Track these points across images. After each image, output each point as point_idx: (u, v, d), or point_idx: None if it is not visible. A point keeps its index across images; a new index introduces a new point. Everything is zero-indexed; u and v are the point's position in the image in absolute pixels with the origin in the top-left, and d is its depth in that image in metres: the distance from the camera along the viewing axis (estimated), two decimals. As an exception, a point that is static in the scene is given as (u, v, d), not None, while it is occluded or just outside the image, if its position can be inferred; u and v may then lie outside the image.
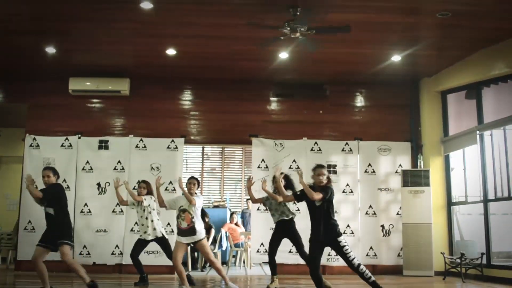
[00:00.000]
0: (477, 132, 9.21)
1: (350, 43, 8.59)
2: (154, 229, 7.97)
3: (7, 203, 13.02)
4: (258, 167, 10.31)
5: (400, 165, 10.41)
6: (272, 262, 7.66)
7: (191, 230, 6.82)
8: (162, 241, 8.03)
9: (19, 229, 9.93)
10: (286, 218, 7.65)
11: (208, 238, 10.67)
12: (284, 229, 7.65)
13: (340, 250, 5.98)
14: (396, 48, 9.04)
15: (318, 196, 5.90)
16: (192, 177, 7.18)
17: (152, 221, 7.98)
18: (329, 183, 6.17)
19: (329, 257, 9.99)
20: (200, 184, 8.40)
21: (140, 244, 8.07)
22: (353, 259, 5.92)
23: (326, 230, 6.02)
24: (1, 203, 13.19)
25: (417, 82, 10.77)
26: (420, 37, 8.59)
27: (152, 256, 9.73)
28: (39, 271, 6.36)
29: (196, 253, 11.05)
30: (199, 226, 6.89)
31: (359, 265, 5.89)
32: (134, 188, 8.95)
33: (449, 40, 8.62)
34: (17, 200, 10.58)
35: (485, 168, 9.12)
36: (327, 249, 9.82)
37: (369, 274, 5.87)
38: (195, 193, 7.00)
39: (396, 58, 9.37)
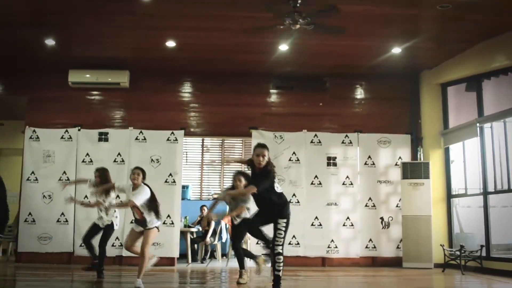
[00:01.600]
0: (477, 124, 9.20)
1: (350, 36, 8.56)
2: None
3: (7, 195, 13.01)
4: (258, 159, 10.29)
5: (400, 158, 10.41)
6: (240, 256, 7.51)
7: (144, 221, 6.76)
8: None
9: (19, 221, 9.95)
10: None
11: (208, 230, 10.71)
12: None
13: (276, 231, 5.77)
14: (396, 41, 9.01)
15: (251, 189, 5.72)
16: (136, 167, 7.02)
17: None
18: (269, 166, 5.73)
19: (328, 249, 10.02)
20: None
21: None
22: (279, 245, 5.70)
23: (273, 212, 5.85)
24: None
25: (417, 74, 10.75)
26: (421, 30, 8.56)
27: (152, 248, 9.75)
28: None
29: (196, 245, 11.08)
30: (150, 217, 6.77)
31: (279, 253, 5.70)
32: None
33: (449, 32, 8.60)
34: (17, 193, 10.58)
35: (485, 160, 9.12)
36: (327, 241, 9.99)
37: (281, 268, 5.71)
38: (141, 184, 6.85)
39: (396, 50, 9.35)
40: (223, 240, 11.24)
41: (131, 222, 9.83)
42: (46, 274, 7.90)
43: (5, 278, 8.21)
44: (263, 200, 5.80)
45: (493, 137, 9.10)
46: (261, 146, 5.75)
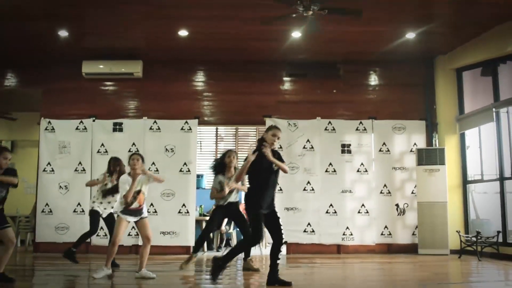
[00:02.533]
0: (493, 109, 9.10)
1: (364, 22, 8.47)
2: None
3: (24, 186, 13.14)
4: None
5: (415, 144, 10.35)
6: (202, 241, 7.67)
7: (141, 210, 6.74)
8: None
9: (37, 211, 10.07)
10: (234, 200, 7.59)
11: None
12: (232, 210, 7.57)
13: (277, 222, 5.86)
14: (410, 26, 8.92)
15: (285, 166, 5.91)
16: (134, 153, 7.00)
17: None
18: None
19: (344, 237, 10.02)
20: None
21: None
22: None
23: (272, 199, 5.90)
24: (18, 187, 13.25)
25: (431, 60, 10.65)
26: (435, 14, 8.46)
27: (168, 237, 9.83)
28: None
29: (211, 234, 11.12)
30: (145, 206, 6.82)
31: (284, 242, 5.83)
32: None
33: (464, 16, 8.48)
34: (34, 184, 10.70)
35: (501, 145, 9.04)
36: (342, 228, 9.99)
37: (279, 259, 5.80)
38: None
39: (410, 35, 9.26)
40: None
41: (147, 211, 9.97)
42: (64, 263, 7.98)
43: (24, 267, 8.32)
44: (272, 184, 5.84)
45: (509, 122, 9.00)
46: (278, 128, 5.91)
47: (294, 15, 7.43)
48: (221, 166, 7.59)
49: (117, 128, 10.31)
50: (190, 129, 10.32)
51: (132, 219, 6.68)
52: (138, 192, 6.65)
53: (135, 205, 6.62)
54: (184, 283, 6.66)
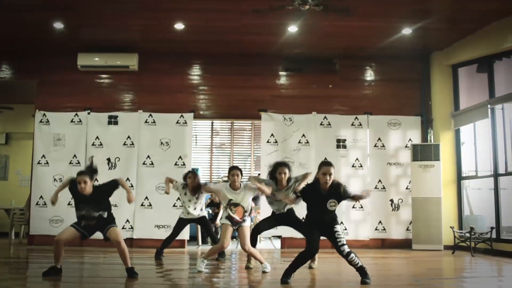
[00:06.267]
0: (489, 106, 9.12)
1: (360, 17, 8.48)
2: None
3: (19, 178, 13.13)
4: (267, 141, 10.31)
5: (410, 140, 10.38)
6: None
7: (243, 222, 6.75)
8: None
9: (31, 204, 10.05)
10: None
11: (217, 214, 10.74)
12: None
13: (334, 235, 5.84)
14: (407, 21, 8.92)
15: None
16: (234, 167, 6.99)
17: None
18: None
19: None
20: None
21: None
22: (343, 244, 5.77)
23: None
24: (13, 179, 13.31)
25: (427, 55, 10.66)
26: (431, 10, 8.46)
27: (163, 230, 9.83)
28: None
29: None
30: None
31: (349, 253, 5.73)
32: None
33: (460, 12, 8.49)
34: (28, 176, 10.66)
35: (496, 142, 9.06)
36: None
37: (357, 261, 5.72)
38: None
39: (406, 31, 9.26)
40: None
41: (142, 205, 9.96)
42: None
43: (18, 260, 8.31)
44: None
45: (504, 119, 9.03)
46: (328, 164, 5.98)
47: (290, 7, 7.41)
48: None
49: (112, 121, 10.28)
50: (186, 122, 10.30)
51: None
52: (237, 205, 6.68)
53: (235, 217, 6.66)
54: (179, 276, 6.67)
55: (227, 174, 7.11)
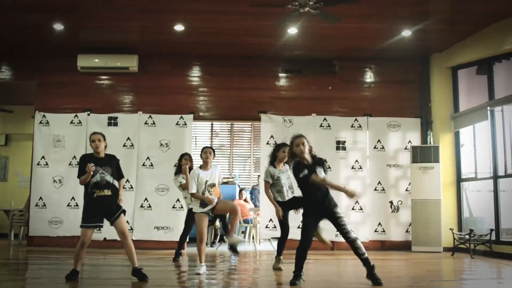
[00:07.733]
0: (488, 108, 9.13)
1: (360, 18, 8.49)
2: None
3: (18, 180, 13.13)
4: (267, 143, 10.30)
5: (409, 141, 10.38)
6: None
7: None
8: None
9: (31, 205, 10.04)
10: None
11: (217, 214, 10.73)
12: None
13: (337, 221, 5.85)
14: (406, 23, 8.93)
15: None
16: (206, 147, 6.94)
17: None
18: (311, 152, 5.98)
19: (337, 233, 9.97)
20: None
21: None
22: (350, 231, 5.79)
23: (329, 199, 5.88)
24: (12, 180, 13.32)
25: (427, 57, 10.66)
26: (431, 11, 8.47)
27: (162, 232, 9.82)
28: None
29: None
30: None
31: (355, 239, 5.77)
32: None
33: (460, 14, 8.50)
34: (28, 177, 10.66)
35: (495, 144, 9.06)
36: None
37: (363, 251, 5.77)
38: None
39: (406, 33, 9.27)
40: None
41: (141, 206, 9.96)
42: (58, 257, 7.98)
43: (18, 261, 8.31)
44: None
45: (503, 121, 9.04)
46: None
47: (289, 6, 7.41)
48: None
49: (112, 122, 10.28)
50: (185, 124, 10.30)
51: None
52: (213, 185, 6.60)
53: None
54: (178, 278, 6.67)
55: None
